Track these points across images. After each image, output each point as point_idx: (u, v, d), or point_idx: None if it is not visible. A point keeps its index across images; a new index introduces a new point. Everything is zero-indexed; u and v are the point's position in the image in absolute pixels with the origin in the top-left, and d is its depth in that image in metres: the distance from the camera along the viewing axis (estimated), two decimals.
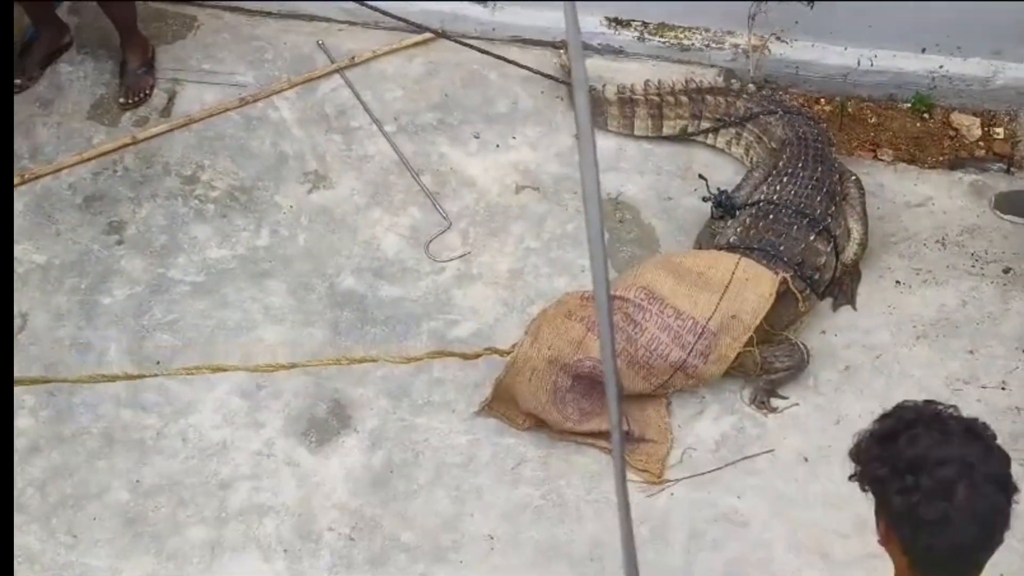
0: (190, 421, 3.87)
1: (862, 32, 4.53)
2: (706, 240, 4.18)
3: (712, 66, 4.68)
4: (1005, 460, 1.96)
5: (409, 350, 3.98)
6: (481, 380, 3.90)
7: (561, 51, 4.70)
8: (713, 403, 3.90)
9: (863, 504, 3.62)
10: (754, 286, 3.79)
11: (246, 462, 3.80)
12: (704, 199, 4.20)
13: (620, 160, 4.48)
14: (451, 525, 3.67)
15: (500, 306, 4.12)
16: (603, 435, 3.75)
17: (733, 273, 3.81)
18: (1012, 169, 4.49)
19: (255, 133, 4.55)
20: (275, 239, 4.28)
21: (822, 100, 4.70)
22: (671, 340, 3.73)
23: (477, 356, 3.89)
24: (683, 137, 4.51)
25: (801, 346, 3.90)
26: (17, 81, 4.56)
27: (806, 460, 3.78)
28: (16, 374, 3.82)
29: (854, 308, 4.10)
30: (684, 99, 4.44)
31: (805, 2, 4.48)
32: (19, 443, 3.77)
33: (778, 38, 4.63)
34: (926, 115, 4.64)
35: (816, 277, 3.96)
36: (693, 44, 4.67)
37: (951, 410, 2.00)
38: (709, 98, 4.44)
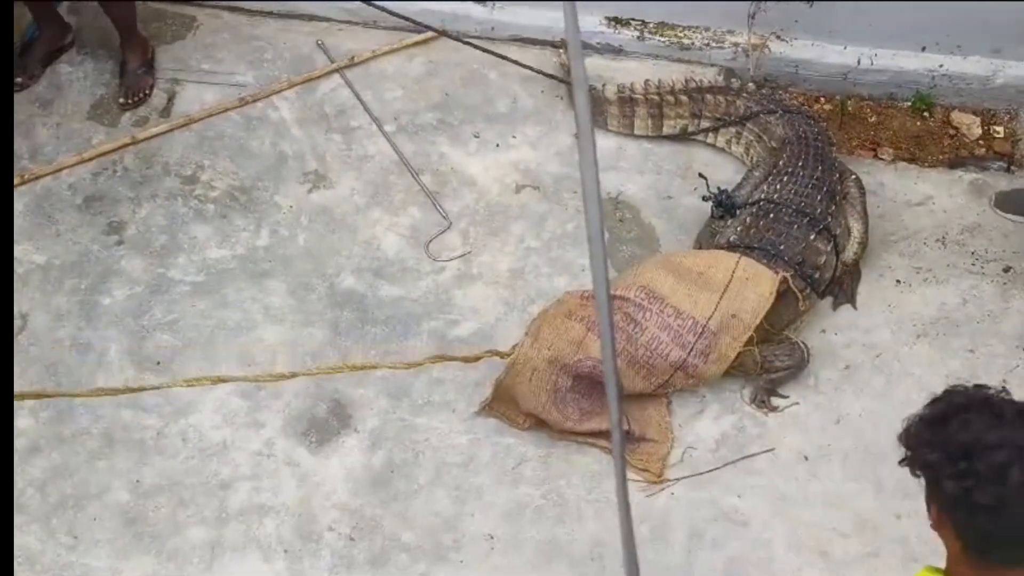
0: (190, 421, 3.87)
1: (862, 31, 4.53)
2: (706, 239, 4.18)
3: (712, 65, 4.68)
4: None
5: (409, 350, 3.98)
6: (481, 380, 3.90)
7: (561, 50, 4.70)
8: (713, 402, 3.90)
9: (863, 503, 3.66)
10: (754, 285, 3.79)
11: (246, 462, 3.80)
12: (704, 198, 4.20)
13: (620, 159, 4.48)
14: (451, 525, 3.67)
15: (500, 306, 4.12)
16: (603, 435, 3.75)
17: (733, 272, 3.81)
18: (1012, 168, 4.49)
19: (255, 133, 4.55)
20: (275, 239, 4.28)
21: (822, 99, 4.70)
22: (671, 340, 3.73)
23: (477, 359, 3.89)
24: (683, 136, 4.51)
25: (801, 345, 3.90)
26: (18, 80, 4.57)
27: (806, 459, 3.78)
28: (16, 374, 3.83)
29: (854, 307, 4.10)
30: (684, 98, 4.44)
31: (805, 1, 4.48)
32: (19, 443, 3.77)
33: (778, 37, 4.63)
34: (926, 114, 4.64)
35: (816, 276, 3.96)
36: (693, 43, 4.67)
37: (1002, 394, 1.99)
38: (709, 97, 4.44)
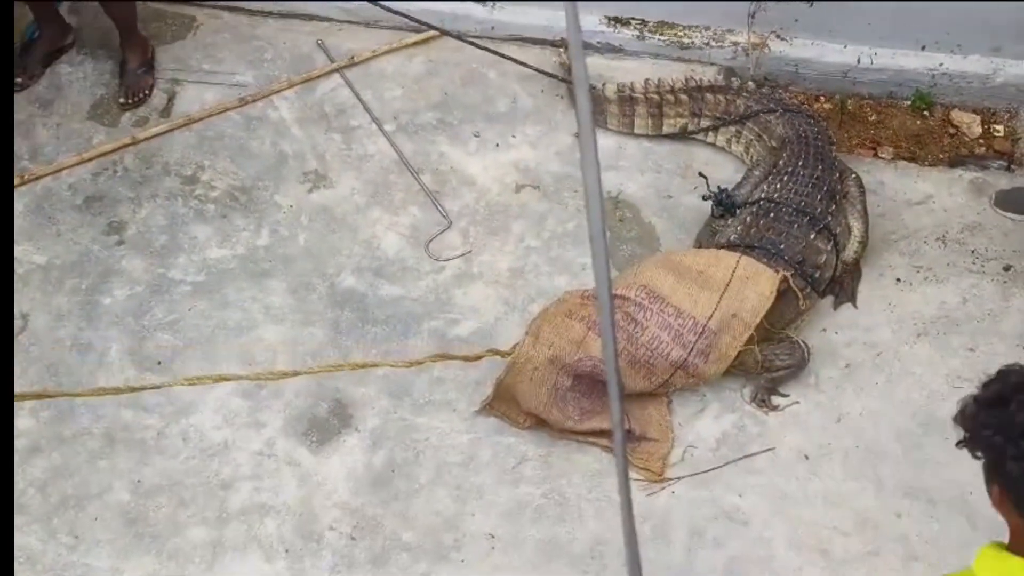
0: (191, 421, 3.87)
1: (862, 30, 4.53)
2: (706, 239, 4.18)
3: (712, 64, 4.68)
4: None
5: (410, 349, 3.98)
6: (482, 379, 3.90)
7: (561, 50, 4.70)
8: (714, 401, 3.90)
9: (863, 502, 3.66)
10: (755, 284, 3.79)
11: (247, 462, 3.80)
12: (704, 197, 4.20)
13: (620, 159, 4.48)
14: (452, 524, 3.67)
15: (501, 305, 4.12)
16: (604, 434, 3.75)
17: (733, 272, 3.81)
18: (1012, 166, 4.49)
19: (255, 133, 4.55)
20: (275, 239, 4.28)
21: (822, 98, 4.70)
22: (672, 339, 3.73)
23: (478, 358, 3.89)
24: (683, 135, 4.51)
25: (802, 344, 3.90)
26: (18, 79, 4.57)
27: (807, 458, 3.78)
28: (17, 374, 3.84)
29: (855, 306, 4.10)
30: (684, 97, 4.44)
31: (805, 0, 4.47)
32: (20, 443, 3.77)
33: (778, 36, 4.63)
34: (926, 113, 4.64)
35: (817, 275, 3.96)
36: (693, 42, 4.67)
37: None
38: (709, 96, 4.44)
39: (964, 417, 2.05)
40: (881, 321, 4.06)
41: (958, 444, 2.07)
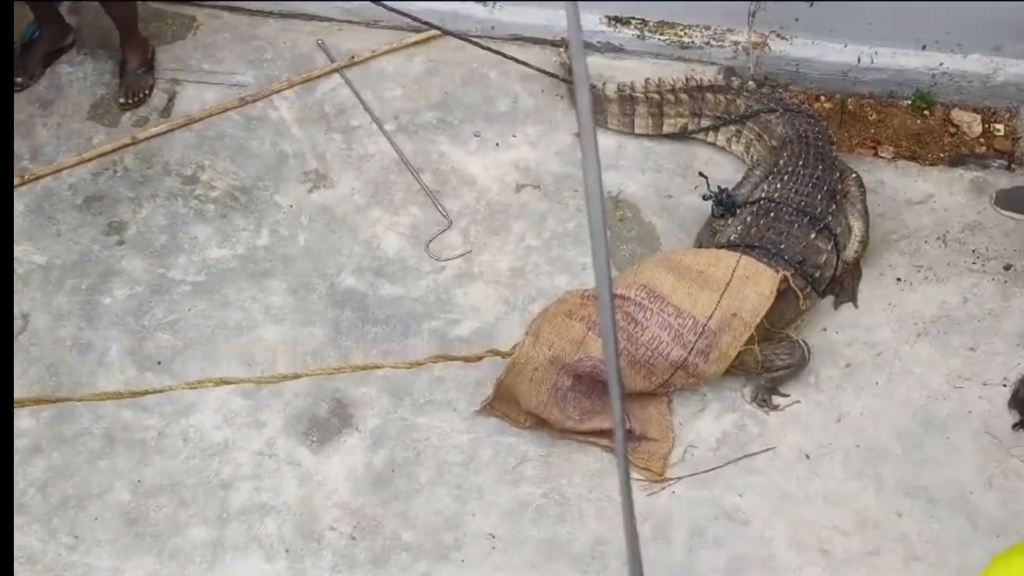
0: (191, 421, 3.87)
1: (862, 29, 4.53)
2: (707, 238, 4.18)
3: (712, 64, 4.68)
4: None
5: (410, 349, 3.98)
6: (482, 379, 3.90)
7: (561, 49, 4.70)
8: (714, 401, 3.90)
9: (864, 501, 3.66)
10: (755, 284, 3.79)
11: (247, 462, 3.80)
12: (704, 197, 4.20)
13: (620, 158, 4.48)
14: (453, 524, 3.67)
15: (501, 305, 4.12)
16: (604, 434, 3.75)
17: (734, 271, 3.81)
18: (1013, 166, 4.49)
19: (255, 133, 4.55)
20: (275, 239, 4.28)
21: (822, 97, 4.70)
22: (672, 339, 3.73)
23: (478, 359, 3.89)
24: (683, 135, 4.51)
25: (802, 344, 3.90)
26: (18, 79, 4.57)
27: (807, 458, 3.78)
28: (17, 374, 3.84)
29: (855, 306, 4.10)
30: (684, 97, 4.44)
31: (805, 0, 4.48)
32: (20, 443, 3.77)
33: (778, 35, 4.63)
34: (926, 112, 4.64)
35: (817, 275, 3.96)
36: (693, 42, 4.67)
37: None
38: (709, 96, 4.44)
39: (1016, 400, 2.06)
40: (881, 321, 4.06)
41: (1014, 427, 2.08)
